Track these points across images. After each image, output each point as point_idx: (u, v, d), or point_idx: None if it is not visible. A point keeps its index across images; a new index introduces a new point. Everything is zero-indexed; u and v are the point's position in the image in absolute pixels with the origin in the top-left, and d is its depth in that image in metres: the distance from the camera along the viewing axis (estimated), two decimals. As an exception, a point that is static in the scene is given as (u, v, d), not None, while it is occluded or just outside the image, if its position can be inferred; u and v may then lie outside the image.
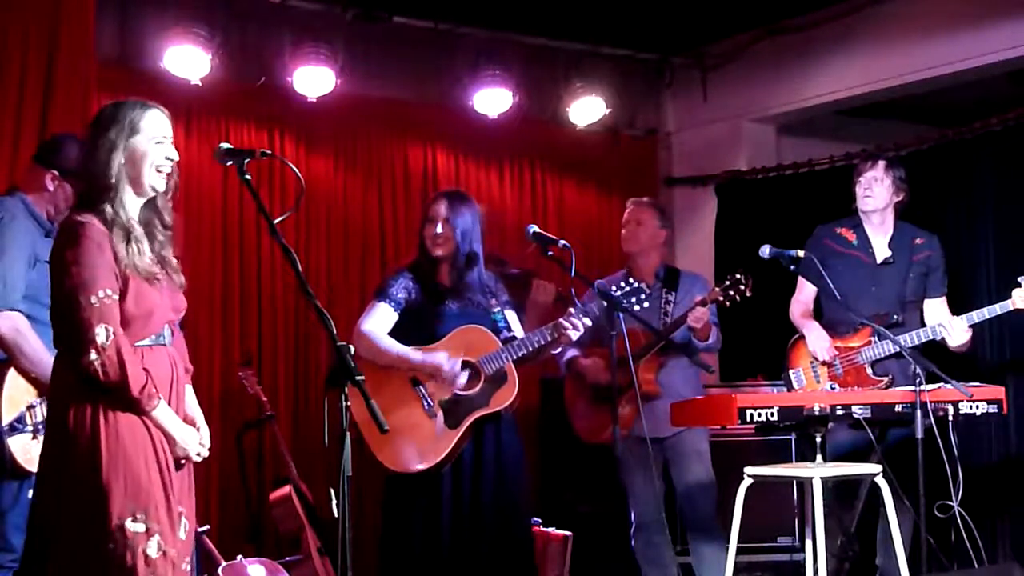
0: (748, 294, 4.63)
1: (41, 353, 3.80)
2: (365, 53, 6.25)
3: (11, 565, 3.85)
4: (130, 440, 2.93)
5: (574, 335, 4.23)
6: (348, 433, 2.89)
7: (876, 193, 4.79)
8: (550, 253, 4.26)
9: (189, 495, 3.14)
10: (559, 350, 4.53)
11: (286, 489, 5.20)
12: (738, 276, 4.62)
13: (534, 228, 4.33)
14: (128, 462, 2.91)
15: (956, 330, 4.58)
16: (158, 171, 3.08)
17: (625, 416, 4.71)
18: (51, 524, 2.95)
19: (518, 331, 4.39)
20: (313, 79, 5.85)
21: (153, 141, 3.07)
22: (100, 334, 2.89)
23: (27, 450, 3.82)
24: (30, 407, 3.85)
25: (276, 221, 3.03)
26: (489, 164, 6.86)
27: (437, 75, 6.53)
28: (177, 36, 5.46)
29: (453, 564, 4.15)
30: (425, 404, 4.25)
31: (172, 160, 3.10)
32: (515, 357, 4.22)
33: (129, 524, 2.88)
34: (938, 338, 4.63)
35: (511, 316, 4.45)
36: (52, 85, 5.14)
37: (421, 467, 4.18)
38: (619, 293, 4.21)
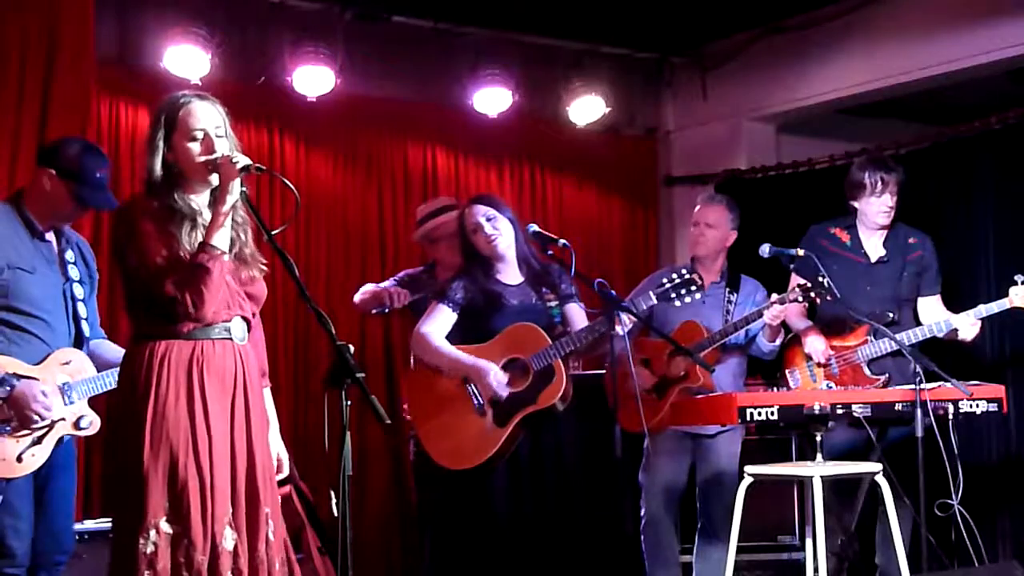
0: (829, 299, 4.55)
1: None
2: (365, 53, 6.24)
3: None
4: (173, 437, 2.88)
5: (621, 330, 4.22)
6: (348, 433, 2.89)
7: (894, 206, 4.78)
8: (550, 252, 4.28)
9: (275, 495, 3.09)
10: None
11: (286, 489, 5.19)
12: (821, 279, 4.51)
13: (534, 227, 4.33)
14: (169, 460, 2.86)
15: (964, 326, 4.60)
16: (203, 166, 3.01)
17: (670, 410, 4.72)
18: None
19: (577, 325, 4.37)
20: (313, 79, 5.85)
21: (190, 135, 3.02)
22: (170, 287, 2.91)
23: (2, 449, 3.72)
24: None
25: (274, 233, 3.01)
26: (489, 164, 6.86)
27: (437, 75, 6.53)
28: (177, 36, 5.46)
29: (513, 558, 4.19)
30: (475, 402, 4.27)
31: (217, 154, 3.00)
32: (563, 353, 4.23)
33: (163, 524, 2.84)
34: (941, 334, 4.63)
35: (571, 310, 4.44)
36: (52, 85, 5.16)
37: (470, 464, 4.21)
38: (668, 285, 4.24)
